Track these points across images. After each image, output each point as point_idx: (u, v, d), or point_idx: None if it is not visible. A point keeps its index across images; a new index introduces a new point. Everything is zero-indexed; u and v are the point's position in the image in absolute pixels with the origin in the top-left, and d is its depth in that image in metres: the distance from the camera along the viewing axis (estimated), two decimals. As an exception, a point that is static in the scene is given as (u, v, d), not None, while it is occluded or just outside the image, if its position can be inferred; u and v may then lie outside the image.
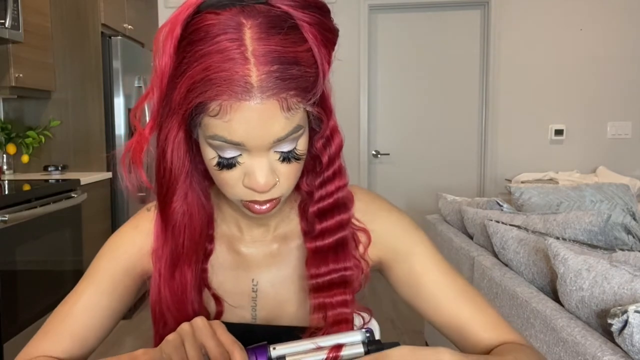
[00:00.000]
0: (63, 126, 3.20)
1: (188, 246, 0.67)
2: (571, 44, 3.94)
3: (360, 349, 0.56)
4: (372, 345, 0.56)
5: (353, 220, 0.73)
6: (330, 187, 0.68)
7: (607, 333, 1.08)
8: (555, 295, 1.33)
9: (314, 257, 0.68)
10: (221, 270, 0.73)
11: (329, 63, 0.60)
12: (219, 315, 0.72)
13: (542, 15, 3.93)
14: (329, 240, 0.68)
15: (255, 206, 0.61)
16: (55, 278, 2.65)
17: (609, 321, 0.97)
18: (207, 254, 0.72)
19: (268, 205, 0.61)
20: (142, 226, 0.74)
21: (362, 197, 0.76)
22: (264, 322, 0.74)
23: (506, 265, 1.63)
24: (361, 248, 0.73)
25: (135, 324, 2.99)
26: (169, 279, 0.68)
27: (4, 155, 3.15)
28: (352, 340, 0.57)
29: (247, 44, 0.53)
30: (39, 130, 3.14)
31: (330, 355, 0.56)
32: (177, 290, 0.68)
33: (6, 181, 2.88)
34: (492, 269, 1.63)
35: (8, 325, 2.24)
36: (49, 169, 3.14)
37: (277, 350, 0.56)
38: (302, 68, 0.55)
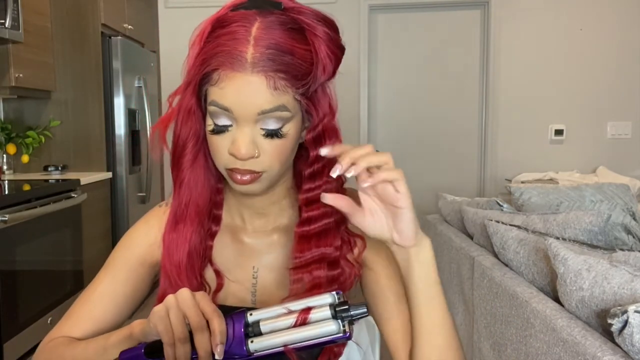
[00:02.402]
0: (63, 126, 3.20)
1: (191, 209, 0.75)
2: (571, 44, 3.94)
3: (328, 312, 0.60)
4: (339, 306, 0.60)
5: (350, 227, 0.78)
6: (319, 180, 0.74)
7: (607, 333, 1.08)
8: (555, 295, 1.33)
9: (300, 242, 0.74)
10: (224, 257, 0.80)
11: (332, 74, 0.68)
12: (219, 287, 0.78)
13: (542, 15, 3.93)
14: (314, 226, 0.74)
15: (237, 175, 0.68)
16: (55, 278, 2.65)
17: (609, 321, 0.97)
18: (212, 234, 0.79)
19: (248, 176, 0.68)
20: (154, 220, 0.81)
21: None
22: (262, 306, 0.77)
23: (506, 265, 1.63)
24: (356, 252, 0.78)
25: (135, 324, 2.99)
26: (170, 231, 0.76)
27: (4, 155, 3.15)
28: (321, 302, 0.61)
29: (252, 31, 0.63)
30: (39, 130, 3.14)
31: (300, 317, 0.60)
32: (177, 243, 0.75)
33: (6, 181, 2.88)
34: (492, 269, 1.63)
35: (8, 325, 2.24)
36: (49, 169, 3.14)
37: (253, 315, 0.61)
38: (295, 59, 0.63)
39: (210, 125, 0.67)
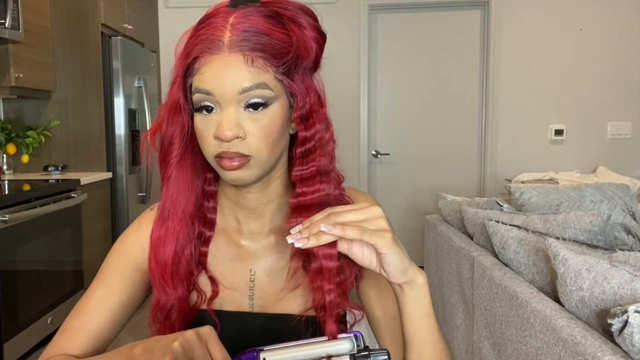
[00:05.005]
0: (63, 126, 3.20)
1: (178, 207, 0.72)
2: (571, 44, 3.94)
3: None
4: (359, 353, 0.57)
5: None
6: (312, 161, 0.71)
7: (607, 333, 1.08)
8: (555, 295, 1.33)
9: (294, 212, 0.71)
10: (221, 262, 0.78)
11: (316, 61, 0.69)
12: (214, 294, 0.76)
13: (542, 16, 3.93)
14: (310, 197, 0.70)
15: (226, 161, 0.66)
16: (55, 278, 2.65)
17: (609, 321, 0.97)
18: (207, 239, 0.77)
19: (237, 162, 0.66)
20: (146, 224, 0.78)
21: (358, 199, 0.80)
22: (260, 310, 0.77)
23: (506, 265, 1.63)
24: None
25: (135, 323, 2.99)
26: (157, 229, 0.73)
27: (4, 155, 3.15)
28: (339, 350, 0.58)
29: (230, 20, 0.65)
30: (39, 130, 3.14)
31: None
32: (163, 240, 0.72)
33: (6, 181, 2.88)
34: (492, 269, 1.63)
35: (8, 325, 2.24)
36: (49, 169, 3.14)
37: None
38: (272, 39, 0.65)
39: (197, 115, 0.68)
